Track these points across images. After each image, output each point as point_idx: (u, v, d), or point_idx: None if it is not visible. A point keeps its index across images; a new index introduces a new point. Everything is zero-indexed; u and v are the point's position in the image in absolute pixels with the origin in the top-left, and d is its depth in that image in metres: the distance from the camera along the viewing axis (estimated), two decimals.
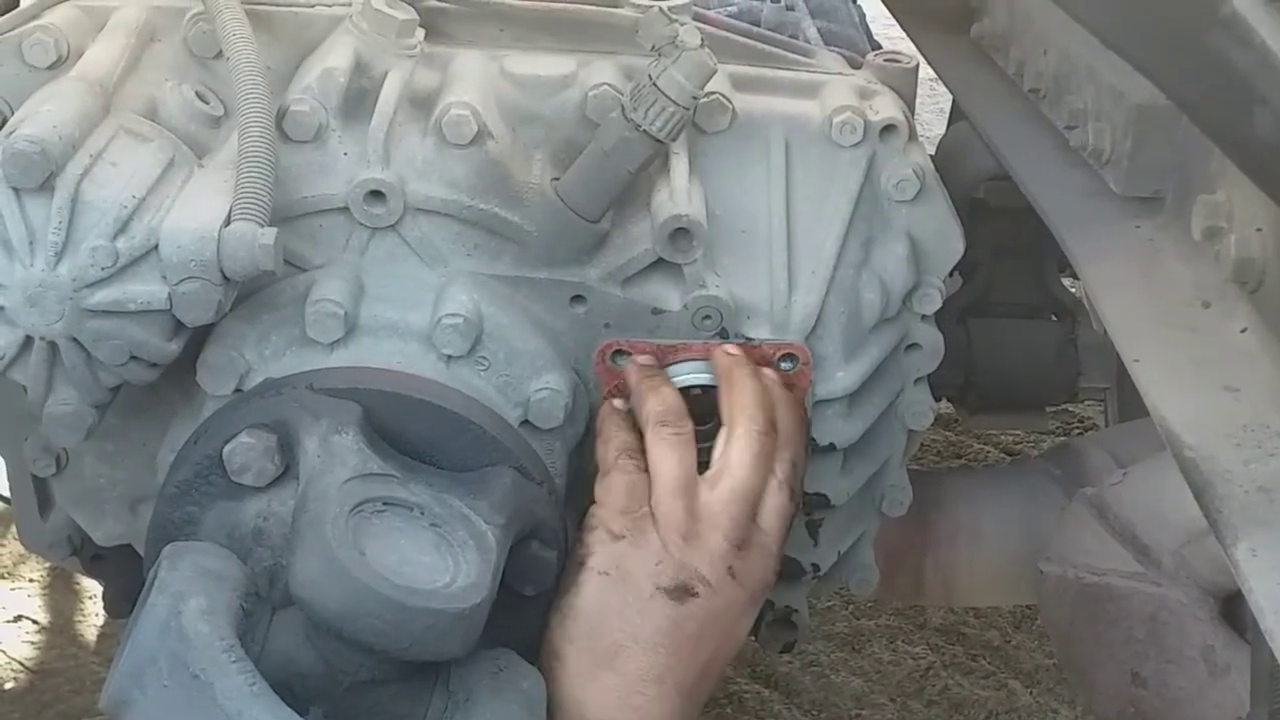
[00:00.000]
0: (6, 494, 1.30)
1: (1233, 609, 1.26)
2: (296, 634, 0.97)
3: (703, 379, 1.15)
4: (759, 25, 1.33)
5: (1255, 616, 0.84)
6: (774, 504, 1.12)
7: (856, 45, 1.37)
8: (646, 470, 1.10)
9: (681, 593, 1.06)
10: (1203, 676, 1.26)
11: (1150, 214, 1.22)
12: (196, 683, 0.88)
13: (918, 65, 1.26)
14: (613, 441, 1.12)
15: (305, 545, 0.94)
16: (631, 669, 1.04)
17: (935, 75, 1.65)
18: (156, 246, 0.99)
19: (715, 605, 1.07)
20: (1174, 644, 1.27)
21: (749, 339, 1.17)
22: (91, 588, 2.47)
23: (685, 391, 1.16)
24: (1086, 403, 2.75)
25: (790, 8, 1.40)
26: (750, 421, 1.11)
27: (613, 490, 1.09)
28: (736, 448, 1.11)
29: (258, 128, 1.03)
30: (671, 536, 1.07)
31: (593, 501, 1.11)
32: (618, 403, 1.15)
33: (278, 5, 1.16)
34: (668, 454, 1.10)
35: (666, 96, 1.07)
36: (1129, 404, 1.95)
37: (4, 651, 2.42)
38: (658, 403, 1.12)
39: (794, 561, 1.32)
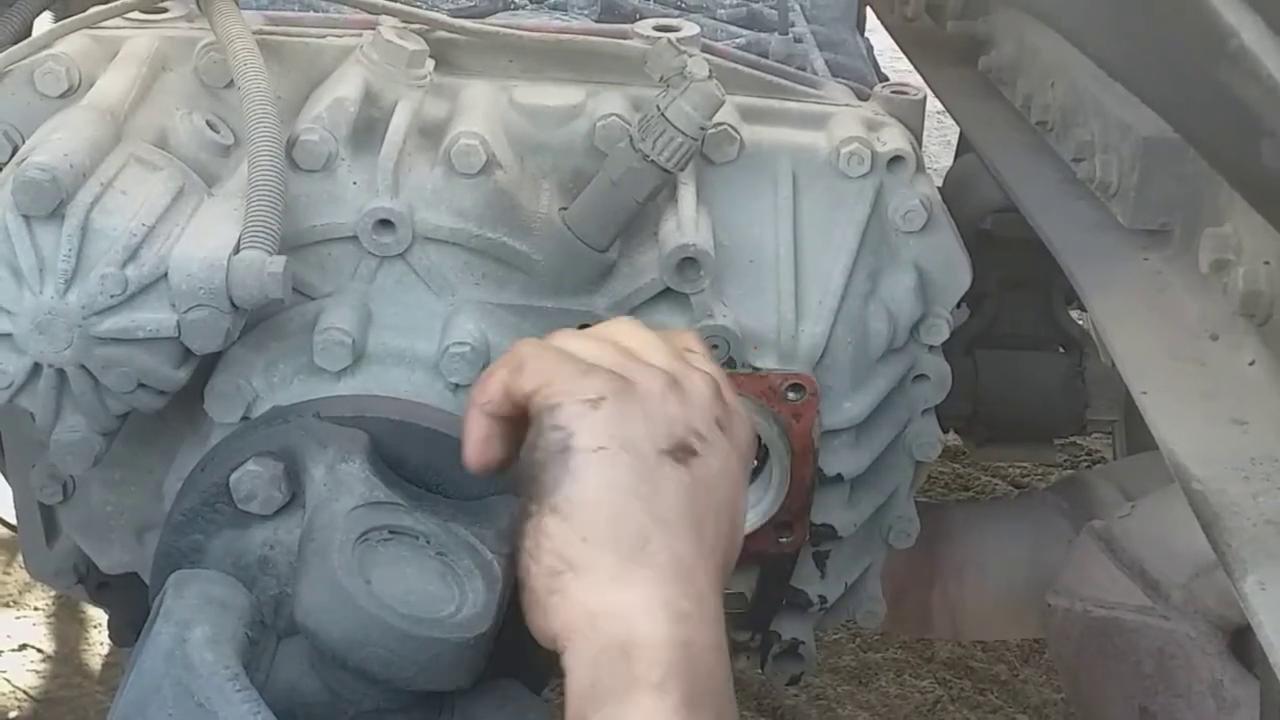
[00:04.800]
0: (13, 521, 1.30)
1: (1242, 643, 1.26)
2: (301, 663, 0.97)
3: None
4: (767, 57, 1.33)
5: (1264, 651, 0.84)
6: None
7: (864, 77, 1.37)
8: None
9: (683, 452, 0.89)
10: (1211, 712, 1.25)
11: (1158, 246, 1.22)
12: (201, 711, 0.88)
13: (925, 97, 1.26)
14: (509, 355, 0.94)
15: (311, 573, 0.93)
16: (663, 560, 0.84)
17: (943, 107, 1.66)
18: (166, 274, 1.00)
19: (713, 466, 0.90)
20: (1182, 679, 1.27)
21: (755, 369, 1.17)
22: (97, 616, 2.47)
23: None
24: (1094, 435, 2.75)
25: (798, 39, 1.41)
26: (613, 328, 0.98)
27: (547, 363, 0.91)
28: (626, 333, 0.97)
29: (267, 157, 1.03)
30: (658, 387, 0.90)
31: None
32: None
33: (289, 35, 1.17)
34: (626, 322, 0.99)
35: (675, 127, 1.07)
36: (1137, 436, 1.96)
37: (9, 680, 2.41)
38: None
39: (801, 593, 1.31)
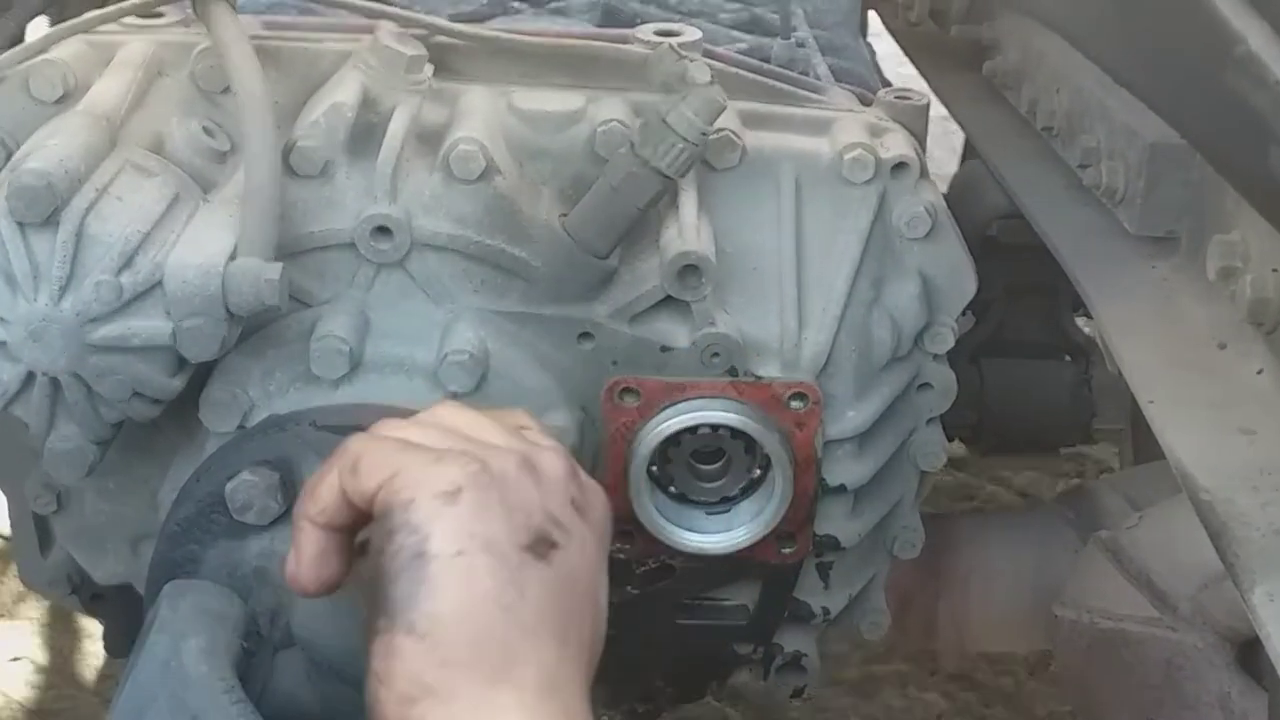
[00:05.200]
0: (6, 531, 1.30)
1: (1250, 655, 1.25)
2: (298, 674, 0.96)
3: (712, 417, 1.15)
4: (769, 62, 1.33)
5: (1273, 662, 0.83)
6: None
7: (867, 82, 1.36)
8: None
9: (544, 545, 0.81)
10: None
11: (1165, 254, 1.22)
12: None
13: (929, 103, 1.25)
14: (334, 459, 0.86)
15: None
16: (529, 678, 0.77)
17: (947, 113, 1.65)
18: (161, 281, 0.99)
19: (573, 556, 0.82)
20: (1190, 691, 1.26)
21: (758, 377, 1.16)
22: (91, 627, 2.46)
23: (693, 430, 1.15)
24: (1101, 444, 2.73)
25: (800, 44, 1.40)
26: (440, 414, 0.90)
27: (389, 454, 0.82)
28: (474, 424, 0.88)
29: (264, 163, 1.03)
30: (512, 469, 0.82)
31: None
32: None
33: (286, 40, 1.17)
34: (451, 405, 0.92)
35: (676, 133, 1.06)
36: (1144, 446, 1.94)
37: (2, 692, 2.41)
38: None
39: (804, 605, 1.30)
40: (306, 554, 0.84)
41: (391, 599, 0.78)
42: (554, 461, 0.85)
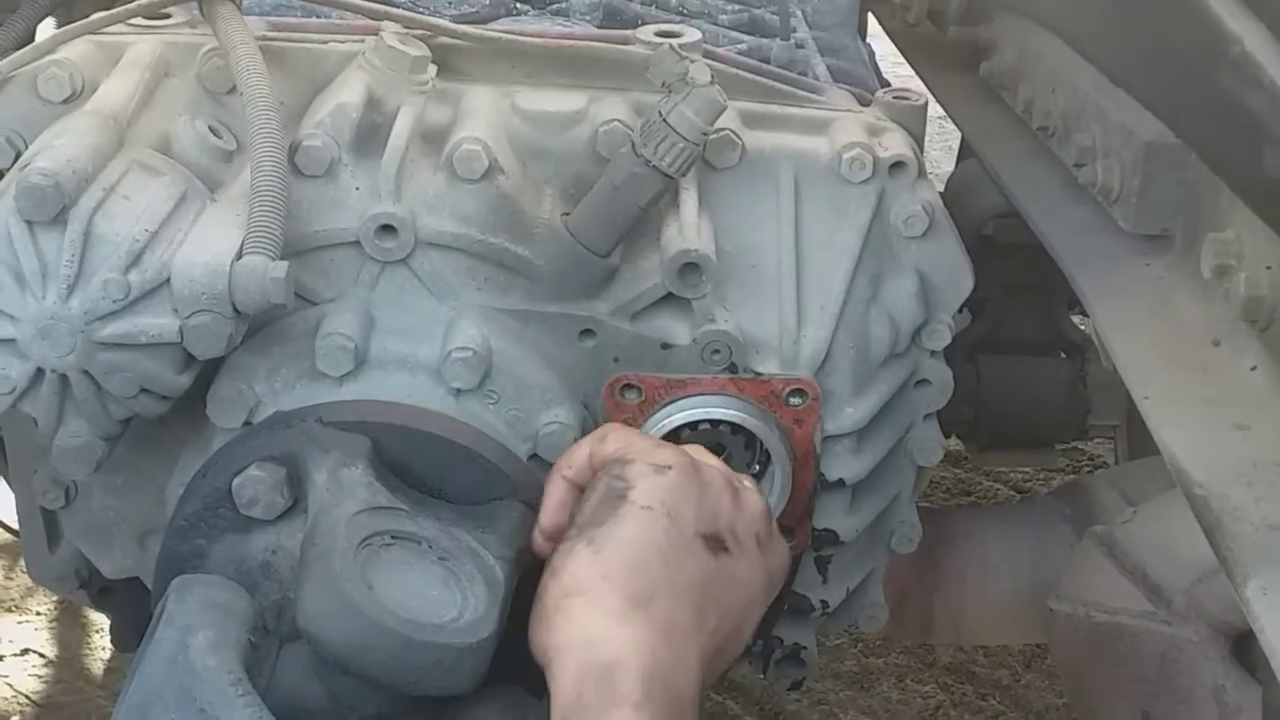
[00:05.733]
0: (15, 526, 1.30)
1: (1244, 648, 1.26)
2: (303, 668, 0.97)
3: (712, 413, 1.16)
4: (769, 62, 1.33)
5: (1267, 655, 0.84)
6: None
7: (866, 83, 1.37)
8: None
9: (716, 543, 1.00)
10: (1214, 717, 1.25)
11: (1159, 252, 1.22)
12: (203, 716, 0.88)
13: (926, 103, 1.26)
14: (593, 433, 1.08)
15: (313, 579, 0.94)
16: (661, 618, 0.94)
17: (944, 113, 1.66)
18: (168, 280, 1.00)
19: (738, 570, 1.01)
20: (1185, 684, 1.27)
21: (758, 374, 1.17)
22: (99, 621, 2.47)
23: (693, 426, 1.16)
24: (1096, 440, 2.74)
25: (800, 45, 1.41)
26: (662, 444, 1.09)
27: (630, 435, 1.05)
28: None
29: (270, 162, 1.03)
30: (718, 482, 1.03)
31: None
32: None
33: (291, 41, 1.17)
34: (695, 445, 1.10)
35: (676, 132, 1.07)
36: (1139, 442, 1.95)
37: (11, 685, 2.41)
38: None
39: (803, 598, 1.31)
40: (550, 500, 1.05)
41: (587, 519, 0.98)
42: (756, 500, 1.05)
